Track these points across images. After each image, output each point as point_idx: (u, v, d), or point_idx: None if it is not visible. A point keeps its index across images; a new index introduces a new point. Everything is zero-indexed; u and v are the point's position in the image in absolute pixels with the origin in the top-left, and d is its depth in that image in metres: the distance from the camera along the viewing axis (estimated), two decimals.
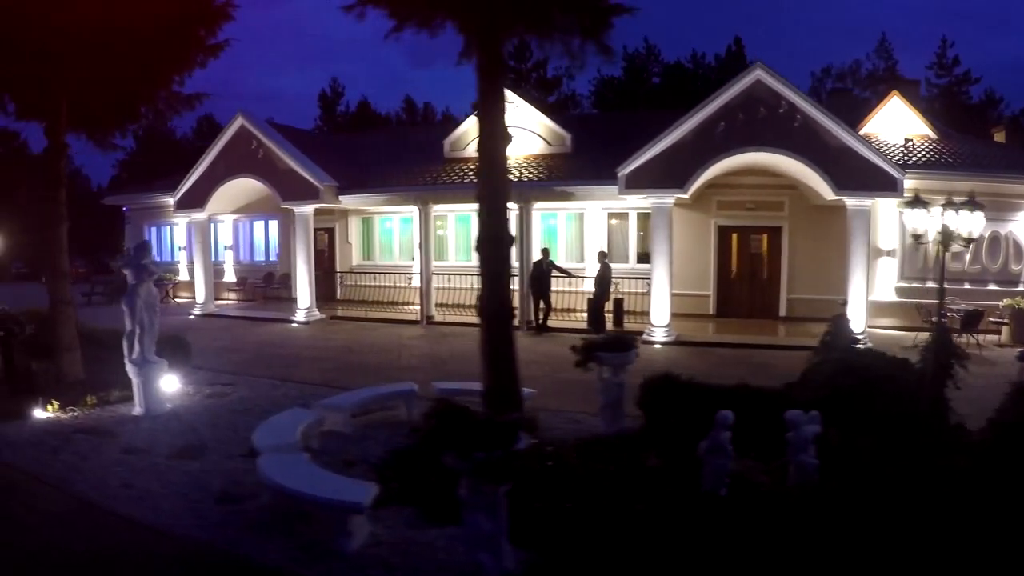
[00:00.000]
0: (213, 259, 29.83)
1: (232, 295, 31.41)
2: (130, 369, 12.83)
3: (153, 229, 36.20)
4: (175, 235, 35.10)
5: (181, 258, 34.50)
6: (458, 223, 27.78)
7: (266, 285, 31.22)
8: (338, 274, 29.13)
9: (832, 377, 10.23)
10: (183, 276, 33.75)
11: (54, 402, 13.19)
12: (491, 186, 9.39)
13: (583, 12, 9.36)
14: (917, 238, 12.20)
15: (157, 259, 34.80)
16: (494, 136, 9.37)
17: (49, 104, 15.11)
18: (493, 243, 9.27)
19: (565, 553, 6.74)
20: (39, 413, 12.87)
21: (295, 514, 7.95)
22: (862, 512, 6.60)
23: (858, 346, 12.45)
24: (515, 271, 22.59)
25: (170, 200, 31.40)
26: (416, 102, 79.54)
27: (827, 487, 7.34)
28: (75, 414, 12.93)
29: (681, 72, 63.88)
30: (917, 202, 11.56)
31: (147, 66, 14.91)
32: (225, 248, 32.75)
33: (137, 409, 12.81)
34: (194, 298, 28.37)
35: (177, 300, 32.56)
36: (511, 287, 9.72)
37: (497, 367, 9.29)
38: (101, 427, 11.98)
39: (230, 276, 32.74)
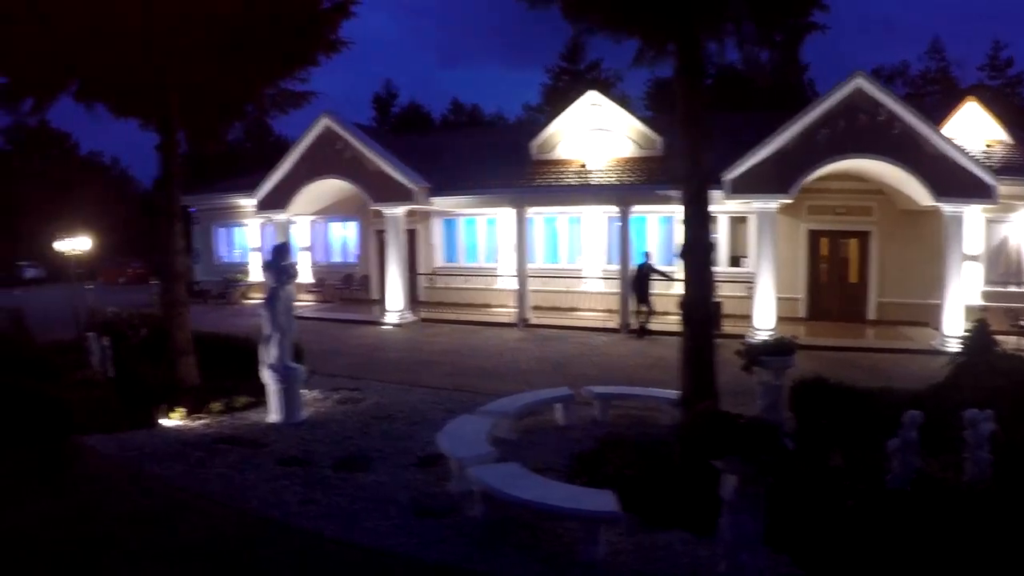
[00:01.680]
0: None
1: (309, 296, 31.09)
2: (267, 375, 12.52)
3: (222, 230, 36.39)
4: (246, 236, 35.02)
5: (252, 259, 34.24)
6: (546, 225, 27.38)
7: (345, 287, 31.01)
8: (420, 276, 28.78)
9: (981, 379, 10.43)
10: (254, 278, 33.51)
11: (179, 409, 12.92)
12: (695, 192, 8.99)
13: (779, 28, 9.09)
14: None
15: (227, 260, 35.28)
16: (696, 139, 9.00)
17: (160, 99, 14.88)
18: (699, 249, 8.88)
19: (806, 549, 6.84)
20: (164, 421, 12.64)
21: (513, 525, 7.67)
22: None
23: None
24: (617, 274, 22.62)
25: (240, 201, 32.01)
26: (463, 103, 79.67)
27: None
28: (204, 421, 12.68)
29: (734, 74, 62.96)
30: None
31: (264, 62, 14.65)
32: (301, 249, 32.32)
33: (273, 416, 12.50)
34: None
35: (251, 301, 32.35)
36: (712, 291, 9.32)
37: (699, 371, 8.95)
38: (241, 436, 11.63)
39: (305, 277, 32.24)
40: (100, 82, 14.51)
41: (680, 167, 9.19)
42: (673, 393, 11.56)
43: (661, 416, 11.70)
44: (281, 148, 37.80)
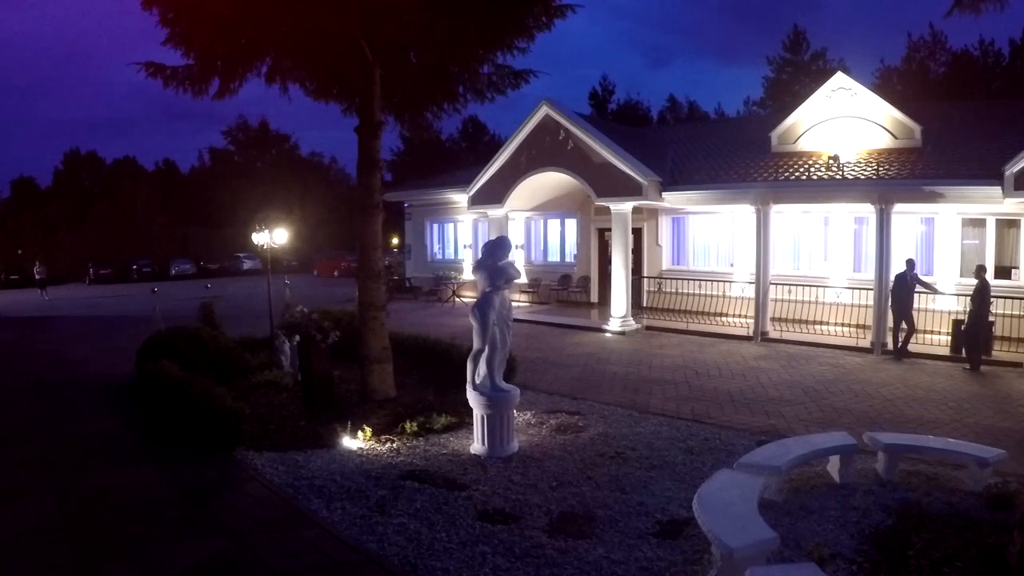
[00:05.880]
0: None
1: (524, 297, 29.40)
2: (473, 397, 10.49)
3: (435, 226, 35.85)
4: (459, 232, 34.26)
5: (466, 256, 33.30)
6: (786, 226, 24.04)
7: (562, 288, 29.18)
8: (645, 279, 26.45)
9: None
10: (467, 276, 32.15)
11: (366, 429, 11.17)
12: None
13: None
14: None
15: (440, 256, 34.35)
16: None
17: (360, 75, 13.41)
18: None
19: None
20: (348, 441, 10.92)
21: None
22: None
23: None
24: (870, 284, 19.43)
25: (454, 196, 31.10)
26: (679, 100, 77.78)
27: None
28: (394, 446, 10.84)
29: (969, 61, 57.66)
30: None
31: (477, 29, 12.58)
32: (515, 247, 30.67)
33: (477, 446, 10.47)
34: None
35: (463, 299, 31.39)
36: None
37: None
38: (436, 471, 9.68)
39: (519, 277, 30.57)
40: (291, 58, 13.14)
41: None
42: (985, 450, 8.91)
43: (962, 477, 8.83)
44: (495, 147, 36.94)
